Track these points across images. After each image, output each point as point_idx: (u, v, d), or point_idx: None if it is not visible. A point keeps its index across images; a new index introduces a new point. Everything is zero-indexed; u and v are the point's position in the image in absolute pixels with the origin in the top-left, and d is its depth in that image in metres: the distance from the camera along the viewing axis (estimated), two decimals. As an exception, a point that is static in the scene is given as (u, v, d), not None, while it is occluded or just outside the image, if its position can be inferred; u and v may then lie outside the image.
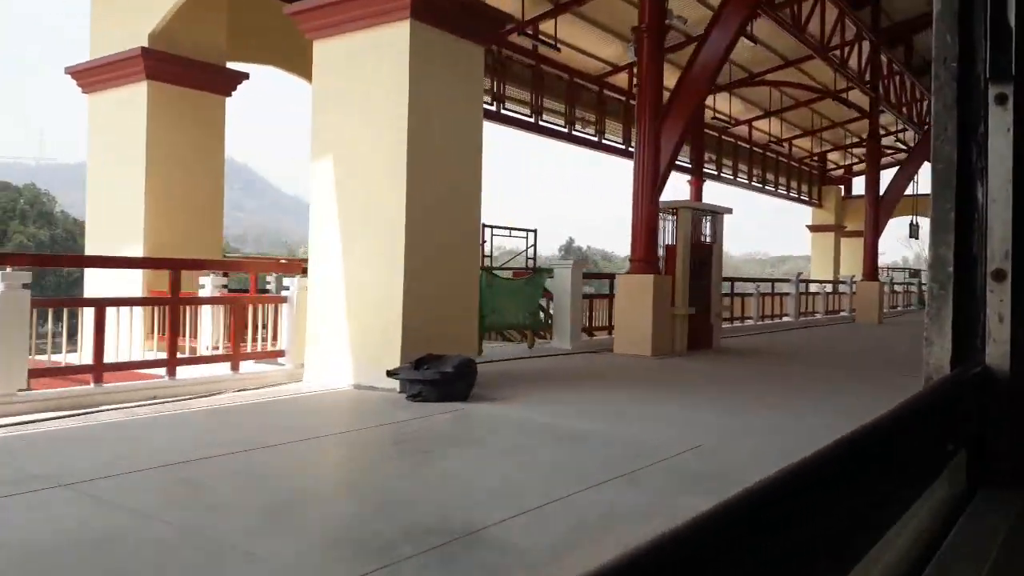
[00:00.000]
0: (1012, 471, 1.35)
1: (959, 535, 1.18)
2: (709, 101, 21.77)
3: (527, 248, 16.30)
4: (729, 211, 13.61)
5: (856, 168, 33.23)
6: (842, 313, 22.99)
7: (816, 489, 0.73)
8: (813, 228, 32.71)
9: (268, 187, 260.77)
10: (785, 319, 20.13)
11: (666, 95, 12.15)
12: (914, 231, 28.20)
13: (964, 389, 1.31)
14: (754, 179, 26.29)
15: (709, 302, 13.14)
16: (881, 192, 22.60)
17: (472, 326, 8.81)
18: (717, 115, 22.30)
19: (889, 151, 28.31)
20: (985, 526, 1.22)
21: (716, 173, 24.21)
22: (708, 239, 13.21)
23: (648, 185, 11.83)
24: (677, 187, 24.21)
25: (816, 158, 30.57)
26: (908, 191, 31.54)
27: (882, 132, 26.13)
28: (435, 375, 6.85)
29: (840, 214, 32.70)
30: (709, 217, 13.32)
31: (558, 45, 16.23)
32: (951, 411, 1.23)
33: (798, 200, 29.85)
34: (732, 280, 20.04)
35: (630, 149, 19.96)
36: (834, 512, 0.77)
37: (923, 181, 33.28)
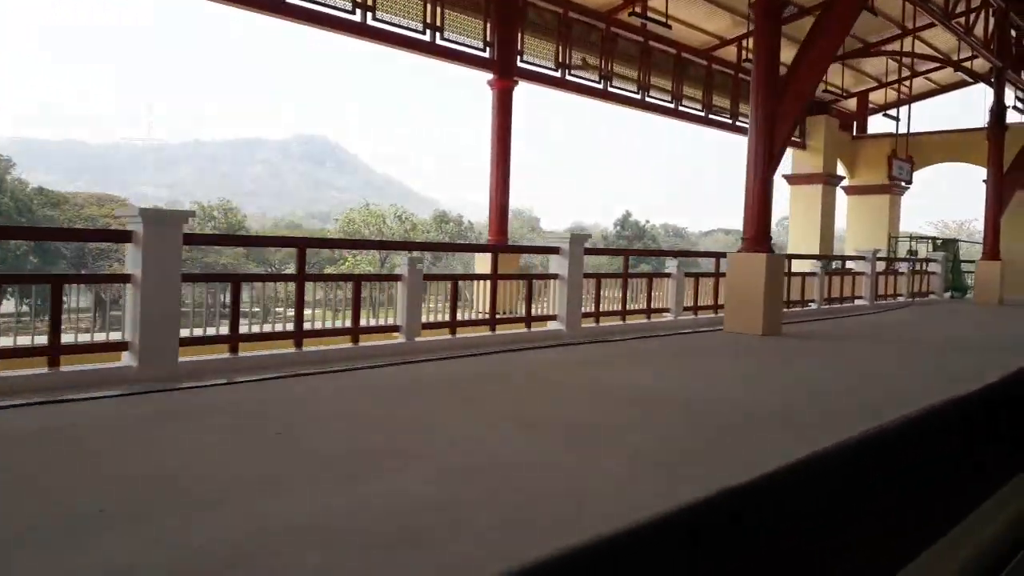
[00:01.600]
0: None
1: None
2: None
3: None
4: None
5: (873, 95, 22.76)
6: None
7: (919, 444, 0.64)
8: (793, 179, 22.32)
9: (360, 166, 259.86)
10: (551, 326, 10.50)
11: None
12: (903, 172, 17.95)
13: None
14: (650, 93, 16.53)
15: None
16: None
17: None
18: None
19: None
20: None
21: (558, 76, 14.73)
22: None
23: None
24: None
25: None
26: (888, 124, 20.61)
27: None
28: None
29: (831, 157, 22.14)
30: None
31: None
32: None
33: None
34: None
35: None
36: (930, 472, 0.63)
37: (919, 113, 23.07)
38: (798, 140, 23.29)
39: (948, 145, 24.80)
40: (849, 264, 18.12)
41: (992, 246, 20.35)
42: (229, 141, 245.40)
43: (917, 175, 26.23)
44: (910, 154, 25.60)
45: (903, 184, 25.96)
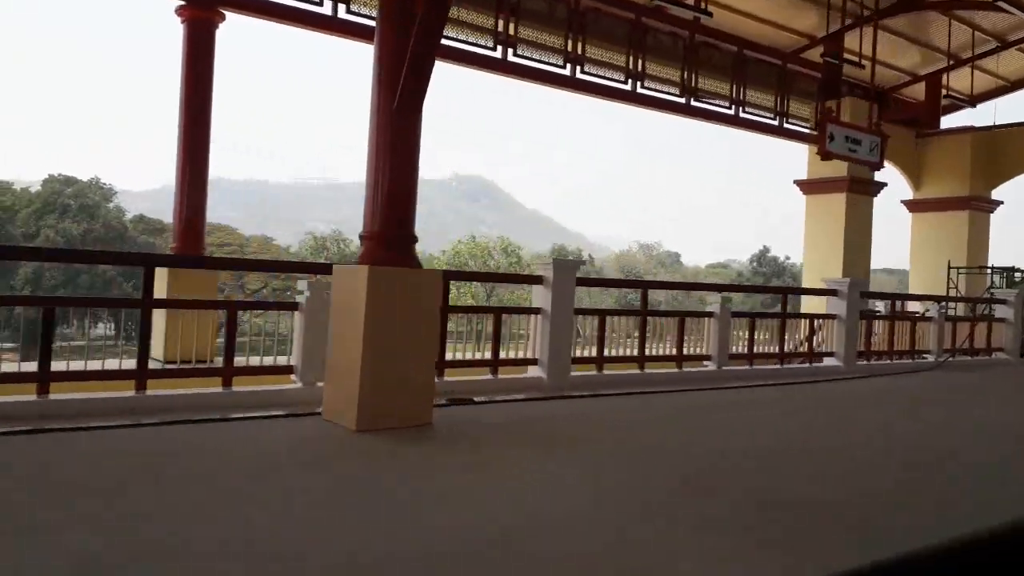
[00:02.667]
0: None
1: None
2: None
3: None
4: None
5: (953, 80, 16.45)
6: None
7: None
8: (807, 185, 15.81)
9: (511, 202, 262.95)
10: None
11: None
12: (864, 150, 12.22)
13: None
14: (519, 51, 11.36)
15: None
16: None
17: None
18: None
19: None
20: None
21: (326, 14, 9.71)
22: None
23: None
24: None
25: (822, 47, 14.53)
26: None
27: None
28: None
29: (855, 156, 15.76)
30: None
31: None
32: None
33: (746, 124, 13.99)
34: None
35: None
36: None
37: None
38: (815, 133, 16.49)
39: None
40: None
41: (1093, 281, 12.80)
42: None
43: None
44: (999, 153, 17.98)
45: (987, 201, 18.19)
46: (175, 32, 9.49)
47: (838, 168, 16.08)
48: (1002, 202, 18.37)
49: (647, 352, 9.05)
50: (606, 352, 8.64)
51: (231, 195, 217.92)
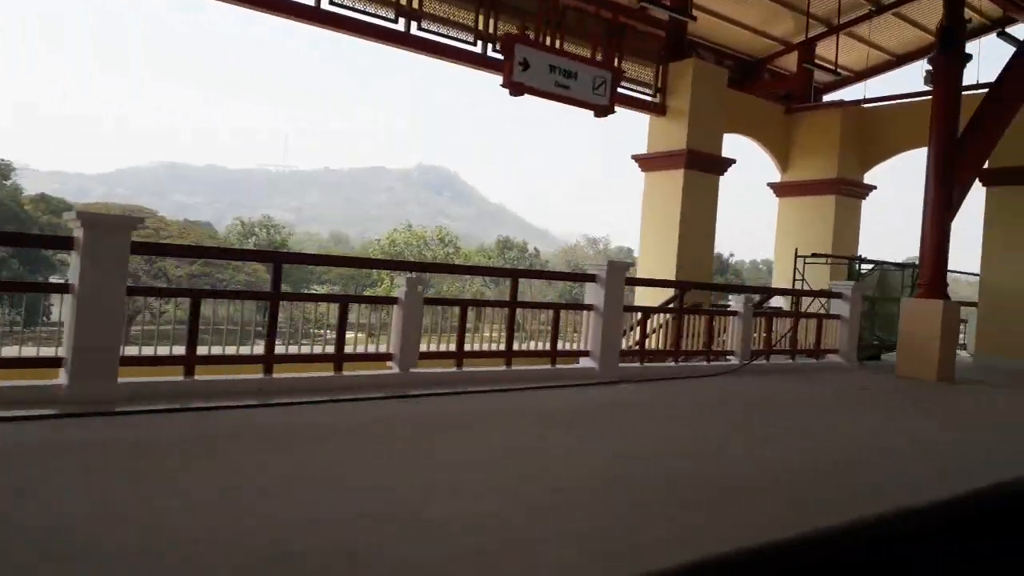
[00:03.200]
0: None
1: None
2: None
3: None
4: None
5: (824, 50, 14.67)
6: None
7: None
8: (647, 161, 13.57)
9: (475, 196, 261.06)
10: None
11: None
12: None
13: None
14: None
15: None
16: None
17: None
18: None
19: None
20: None
21: None
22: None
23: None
24: None
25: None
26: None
27: None
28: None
29: (707, 127, 13.59)
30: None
31: None
32: None
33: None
34: None
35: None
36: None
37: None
38: (654, 99, 14.14)
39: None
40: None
41: (934, 273, 10.62)
42: (355, 169, 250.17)
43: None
44: (875, 134, 15.85)
45: (857, 184, 15.98)
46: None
47: (677, 140, 13.82)
48: (875, 187, 16.28)
49: (275, 351, 6.69)
50: (202, 350, 6.28)
51: (190, 180, 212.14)
